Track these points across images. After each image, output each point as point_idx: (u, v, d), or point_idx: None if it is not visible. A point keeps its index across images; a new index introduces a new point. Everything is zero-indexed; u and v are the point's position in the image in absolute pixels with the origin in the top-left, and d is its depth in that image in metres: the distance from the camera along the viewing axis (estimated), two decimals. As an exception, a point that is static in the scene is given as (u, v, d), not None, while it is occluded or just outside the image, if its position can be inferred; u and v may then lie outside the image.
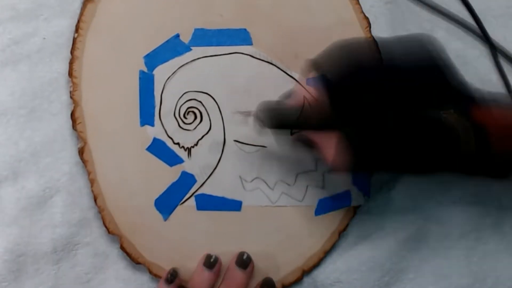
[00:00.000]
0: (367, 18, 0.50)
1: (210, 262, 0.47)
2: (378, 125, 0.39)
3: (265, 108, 0.44)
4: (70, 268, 0.50)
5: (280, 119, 0.44)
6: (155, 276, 0.48)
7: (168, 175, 0.49)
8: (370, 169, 0.42)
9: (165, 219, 0.49)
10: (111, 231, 0.48)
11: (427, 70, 0.40)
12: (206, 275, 0.47)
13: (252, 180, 0.49)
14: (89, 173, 0.48)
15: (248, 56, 0.49)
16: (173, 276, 0.46)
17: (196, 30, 0.49)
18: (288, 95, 0.45)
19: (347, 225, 0.50)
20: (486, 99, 0.40)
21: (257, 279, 0.49)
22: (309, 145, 0.43)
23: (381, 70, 0.40)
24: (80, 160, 0.49)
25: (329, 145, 0.41)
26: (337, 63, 0.41)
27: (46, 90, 0.50)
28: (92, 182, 0.48)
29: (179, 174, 0.49)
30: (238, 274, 0.47)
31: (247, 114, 0.46)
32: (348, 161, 0.40)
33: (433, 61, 0.40)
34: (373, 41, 0.42)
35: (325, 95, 0.40)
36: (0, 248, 0.48)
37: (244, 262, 0.47)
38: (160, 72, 0.49)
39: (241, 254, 0.47)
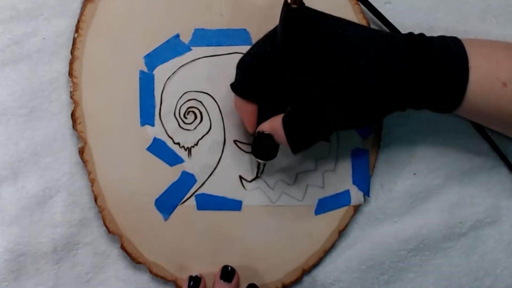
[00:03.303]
0: (366, 18, 0.50)
1: (194, 282, 0.47)
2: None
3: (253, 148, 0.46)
4: (70, 268, 0.50)
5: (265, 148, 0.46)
6: (155, 275, 0.49)
7: (168, 175, 0.49)
8: (321, 136, 0.42)
9: (166, 219, 0.49)
10: (112, 231, 0.48)
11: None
12: None
13: (252, 179, 0.49)
14: (89, 173, 0.48)
15: (248, 56, 0.49)
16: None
17: (196, 30, 0.49)
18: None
19: (347, 225, 0.50)
20: None
21: (257, 279, 0.49)
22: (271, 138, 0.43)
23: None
24: (80, 160, 0.49)
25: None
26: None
27: (46, 90, 0.50)
28: (92, 182, 0.48)
29: (179, 174, 0.49)
30: None
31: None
32: (300, 137, 0.42)
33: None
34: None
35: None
36: (0, 248, 0.49)
37: (228, 275, 0.47)
38: (160, 72, 0.49)
39: (225, 268, 0.48)
